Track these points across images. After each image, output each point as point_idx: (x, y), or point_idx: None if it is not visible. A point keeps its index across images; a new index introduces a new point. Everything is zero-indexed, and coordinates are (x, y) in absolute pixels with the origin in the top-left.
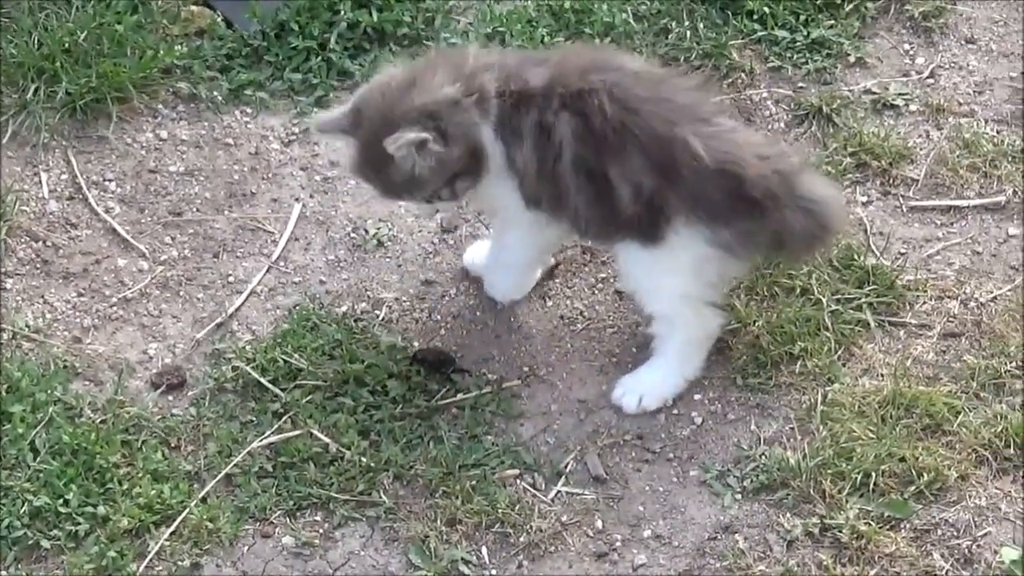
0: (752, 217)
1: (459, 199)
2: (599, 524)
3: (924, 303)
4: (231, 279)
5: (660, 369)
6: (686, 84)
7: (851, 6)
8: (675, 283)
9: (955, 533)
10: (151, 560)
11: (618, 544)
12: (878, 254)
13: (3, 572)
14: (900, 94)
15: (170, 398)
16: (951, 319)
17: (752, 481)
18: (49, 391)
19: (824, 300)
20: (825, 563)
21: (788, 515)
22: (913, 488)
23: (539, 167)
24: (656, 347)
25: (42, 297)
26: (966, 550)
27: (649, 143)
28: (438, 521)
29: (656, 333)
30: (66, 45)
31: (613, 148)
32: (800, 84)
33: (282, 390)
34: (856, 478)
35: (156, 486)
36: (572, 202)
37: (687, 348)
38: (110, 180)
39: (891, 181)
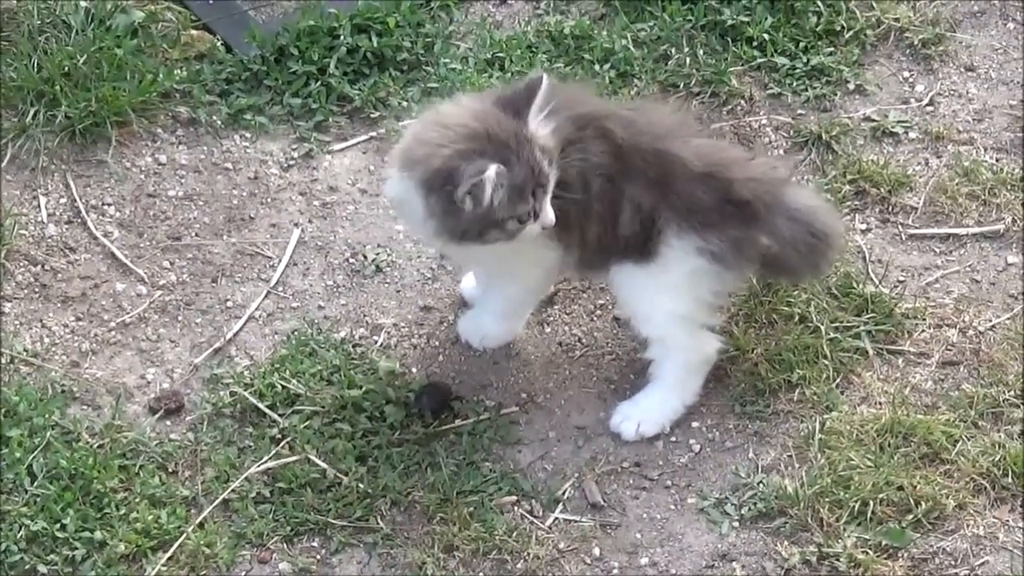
0: (742, 223)
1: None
2: (596, 551)
3: (923, 331)
4: (229, 304)
5: (658, 395)
6: (666, 109)
7: (851, 34)
8: (669, 302)
9: (953, 562)
10: None
11: (615, 572)
12: (877, 282)
13: None
14: (899, 122)
15: (168, 423)
16: (950, 347)
17: (750, 509)
18: (47, 415)
19: (823, 328)
20: None
21: (786, 543)
22: (911, 517)
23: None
24: (653, 373)
25: (40, 321)
26: None
27: (648, 160)
28: (436, 547)
29: (653, 358)
30: (66, 69)
31: (627, 169)
32: (799, 111)
33: (280, 415)
34: (854, 506)
35: (153, 511)
36: (592, 229)
37: (684, 374)
38: (109, 204)
39: (890, 209)
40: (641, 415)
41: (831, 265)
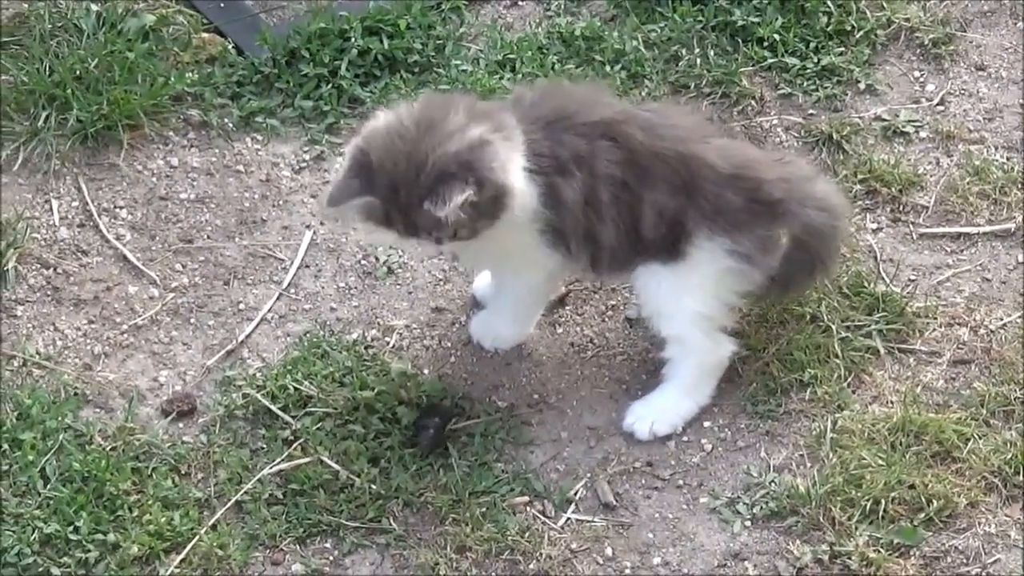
0: (770, 222)
1: (478, 236)
2: (609, 551)
3: (934, 330)
4: (241, 306)
5: (672, 395)
6: (684, 110)
7: (861, 33)
8: (694, 301)
9: (964, 560)
10: None
11: (627, 572)
12: (888, 281)
13: None
14: (910, 121)
15: (180, 425)
16: (961, 346)
17: (762, 508)
18: (59, 418)
19: (834, 327)
20: None
21: (798, 542)
22: (923, 515)
23: (585, 199)
24: (668, 373)
25: (53, 324)
26: None
27: (673, 165)
28: (448, 548)
29: (669, 357)
30: (77, 72)
31: (646, 174)
32: (810, 111)
33: (292, 417)
34: (865, 505)
35: (166, 513)
36: (605, 234)
37: (699, 375)
38: (121, 207)
39: (901, 208)
40: (654, 415)
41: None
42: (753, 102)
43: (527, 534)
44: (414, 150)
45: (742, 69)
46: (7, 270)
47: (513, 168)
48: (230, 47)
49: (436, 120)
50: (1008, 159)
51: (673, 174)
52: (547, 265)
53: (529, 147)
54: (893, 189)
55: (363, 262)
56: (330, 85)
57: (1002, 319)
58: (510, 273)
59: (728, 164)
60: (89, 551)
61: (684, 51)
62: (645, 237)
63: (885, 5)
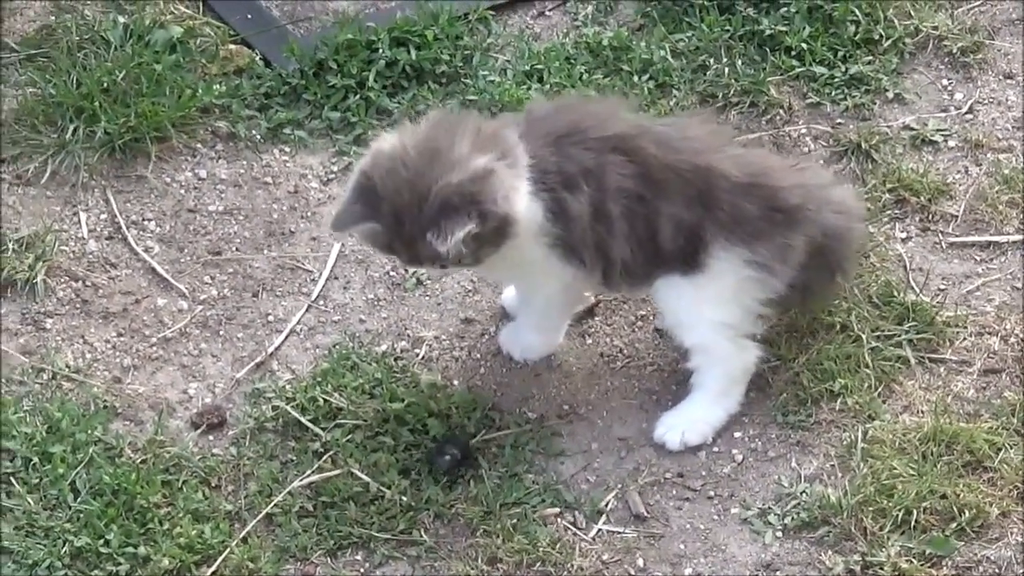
0: (789, 229)
1: (481, 263)
2: (640, 562)
3: (964, 339)
4: (271, 318)
5: (701, 404)
6: (700, 120)
7: (889, 42)
8: (714, 311)
9: (997, 570)
10: None
11: None
12: (918, 290)
13: None
14: (939, 130)
15: (210, 438)
16: (991, 355)
17: (793, 519)
18: (89, 431)
19: (864, 337)
20: None
21: (829, 553)
22: (955, 525)
23: (594, 213)
24: (695, 382)
25: (82, 337)
26: None
27: (688, 177)
28: (479, 560)
29: (695, 367)
30: (105, 85)
31: (662, 187)
32: (839, 120)
33: (322, 429)
34: (897, 515)
35: (197, 526)
36: (616, 248)
37: (727, 382)
38: (149, 219)
39: (930, 217)
40: (685, 424)
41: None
42: (781, 111)
43: (558, 545)
44: (417, 179)
45: (770, 78)
46: (36, 283)
47: (516, 197)
48: (257, 58)
49: (441, 148)
50: None
51: (688, 186)
52: (562, 277)
53: (535, 165)
54: (922, 198)
55: (392, 273)
56: (358, 96)
57: None
58: (527, 286)
59: (743, 173)
60: (120, 564)
61: (712, 61)
62: (663, 249)
63: (913, 14)
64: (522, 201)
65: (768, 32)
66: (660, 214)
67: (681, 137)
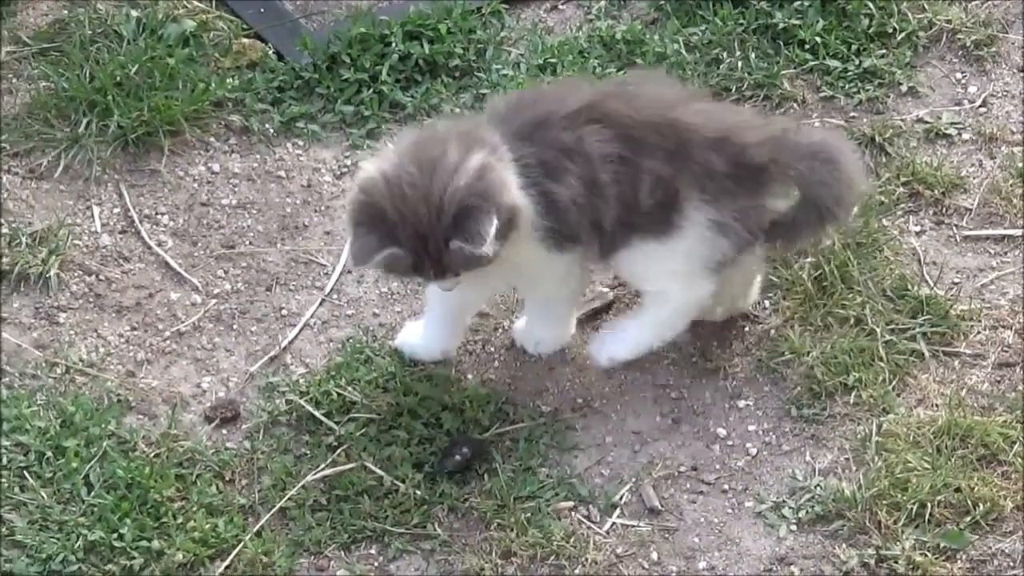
0: (755, 189)
1: (496, 260)
2: (654, 556)
3: (978, 333)
4: (284, 312)
5: (636, 323)
6: (664, 80)
7: (903, 35)
8: (672, 262)
9: (1011, 564)
10: None
11: None
12: (932, 284)
13: None
14: (952, 123)
15: (224, 432)
16: (1005, 348)
17: (807, 512)
18: (103, 425)
19: (878, 330)
20: None
21: (844, 546)
22: (969, 518)
23: (587, 186)
24: (641, 303)
25: (95, 331)
26: None
27: (662, 131)
28: (493, 554)
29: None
30: (118, 79)
31: (641, 144)
32: (852, 114)
33: (336, 423)
34: (912, 509)
35: (210, 520)
36: (608, 214)
37: (670, 313)
38: (162, 213)
39: (944, 210)
40: (613, 339)
41: (855, 199)
42: (795, 105)
43: (572, 539)
44: (427, 193)
45: (783, 72)
46: (49, 277)
47: (513, 186)
48: (270, 52)
49: (435, 157)
50: None
51: (666, 140)
52: (558, 267)
53: (516, 160)
54: (936, 191)
55: None
56: (371, 90)
57: None
58: (526, 284)
59: (712, 128)
60: (134, 558)
61: (725, 54)
62: (643, 206)
63: (926, 7)
64: (518, 190)
65: (782, 25)
66: (641, 170)
67: (649, 94)
